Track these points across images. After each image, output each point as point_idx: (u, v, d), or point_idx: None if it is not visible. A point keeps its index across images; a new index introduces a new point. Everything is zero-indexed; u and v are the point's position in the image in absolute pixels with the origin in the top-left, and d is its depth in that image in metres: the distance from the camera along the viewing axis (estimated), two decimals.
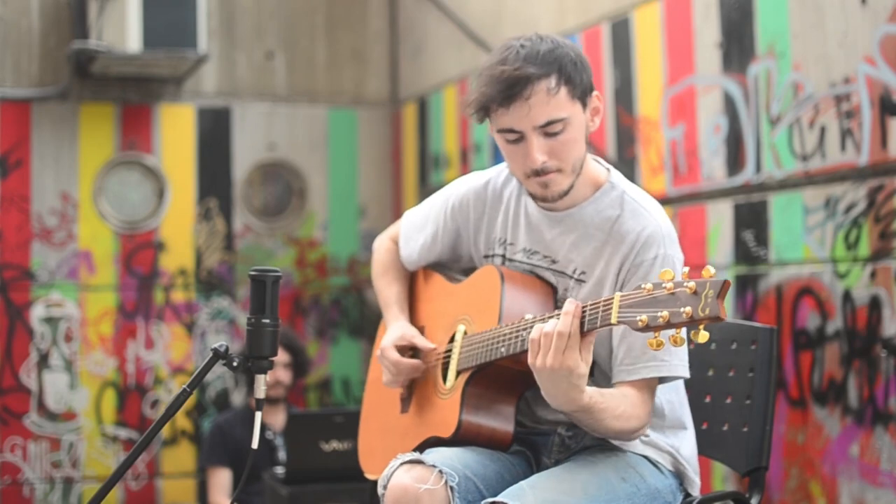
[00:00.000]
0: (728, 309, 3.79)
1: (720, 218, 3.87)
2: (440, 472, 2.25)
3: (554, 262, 2.46)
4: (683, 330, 1.95)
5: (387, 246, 2.88)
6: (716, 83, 3.88)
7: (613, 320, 2.03)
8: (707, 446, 2.63)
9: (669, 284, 1.96)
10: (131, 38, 5.28)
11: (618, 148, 4.37)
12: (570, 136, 2.34)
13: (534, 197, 2.46)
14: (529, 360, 2.13)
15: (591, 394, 2.16)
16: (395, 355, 2.58)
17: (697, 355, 2.72)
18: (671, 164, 4.09)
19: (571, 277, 2.43)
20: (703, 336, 1.91)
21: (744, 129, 3.75)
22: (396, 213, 6.27)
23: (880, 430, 3.25)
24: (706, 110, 3.92)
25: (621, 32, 4.36)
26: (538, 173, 2.35)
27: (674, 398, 2.46)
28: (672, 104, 4.09)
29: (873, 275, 3.27)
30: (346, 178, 6.28)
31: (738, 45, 3.78)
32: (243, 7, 6.12)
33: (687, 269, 1.98)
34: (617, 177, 2.48)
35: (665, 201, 4.08)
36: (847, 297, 3.36)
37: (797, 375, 3.54)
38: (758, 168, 3.70)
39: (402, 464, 2.31)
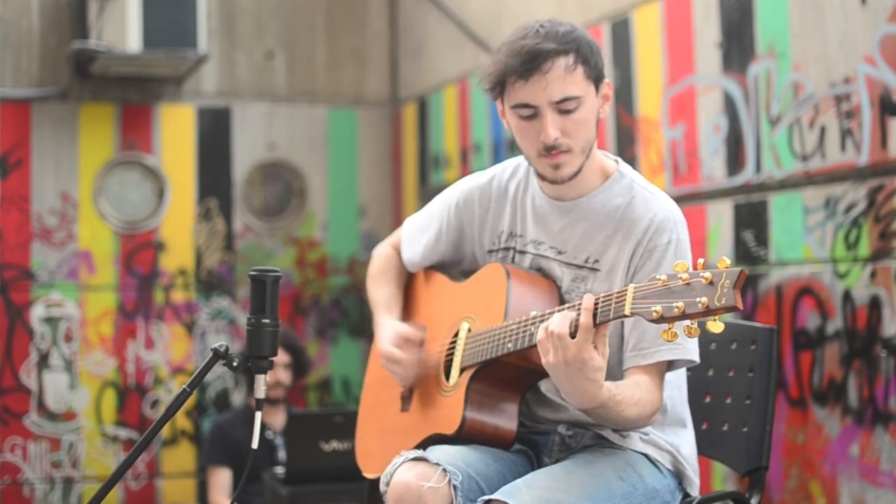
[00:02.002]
0: None
1: (720, 218, 3.87)
2: (444, 470, 2.24)
3: (560, 252, 2.46)
4: (697, 321, 1.94)
5: (385, 252, 2.86)
6: (716, 83, 3.88)
7: (627, 311, 2.03)
8: (707, 446, 2.63)
9: (685, 275, 1.95)
10: (131, 38, 5.28)
11: (618, 148, 4.37)
12: (583, 116, 2.36)
13: (543, 178, 2.45)
14: (543, 360, 2.13)
15: (609, 387, 2.16)
16: (400, 354, 2.57)
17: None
18: (671, 164, 4.09)
19: (582, 267, 2.43)
20: (718, 326, 1.91)
21: (744, 129, 3.75)
22: (396, 213, 6.27)
23: (880, 430, 3.25)
24: (706, 110, 3.92)
25: (621, 32, 4.36)
26: (550, 150, 2.35)
27: (675, 395, 2.46)
28: (672, 104, 4.09)
29: (873, 275, 3.27)
30: (346, 178, 6.28)
31: (738, 45, 3.78)
32: (243, 7, 6.12)
33: (702, 260, 1.97)
34: (626, 167, 2.49)
35: None
36: (847, 297, 3.36)
37: (797, 375, 3.54)
38: (758, 168, 3.71)
39: (405, 461, 2.30)
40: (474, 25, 5.41)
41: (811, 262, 3.50)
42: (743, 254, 3.78)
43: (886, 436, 3.23)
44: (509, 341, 2.31)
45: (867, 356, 3.29)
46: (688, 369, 2.68)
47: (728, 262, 1.92)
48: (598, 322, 2.08)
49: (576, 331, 2.08)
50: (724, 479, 3.76)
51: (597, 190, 2.45)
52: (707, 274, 1.92)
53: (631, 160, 4.29)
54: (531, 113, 2.35)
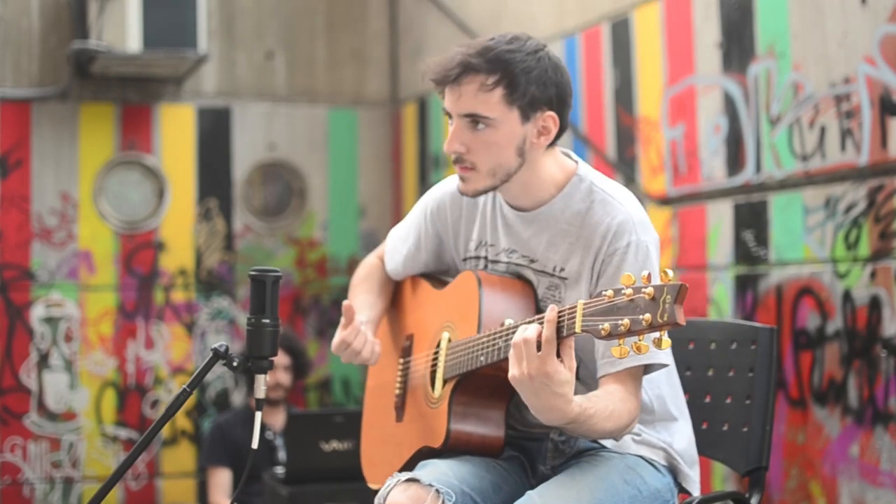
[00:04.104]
0: (728, 309, 3.79)
1: (720, 218, 3.87)
2: (437, 490, 2.23)
3: (533, 261, 2.45)
4: (646, 336, 1.93)
5: (368, 261, 2.87)
6: (716, 83, 3.88)
7: (577, 329, 2.01)
8: (707, 446, 2.63)
9: (629, 290, 1.94)
10: (131, 38, 5.28)
11: (618, 148, 4.37)
12: (493, 139, 2.33)
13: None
14: (509, 374, 2.10)
15: (580, 402, 2.12)
16: (340, 339, 2.56)
17: (698, 355, 2.72)
18: (671, 164, 4.09)
19: (553, 275, 2.42)
20: (665, 343, 1.90)
21: (744, 129, 3.75)
22: (396, 213, 6.27)
23: (880, 430, 3.25)
24: (706, 110, 3.92)
25: (621, 32, 4.36)
26: (455, 161, 2.37)
27: (664, 392, 2.44)
28: (672, 104, 4.09)
29: (873, 275, 3.27)
30: (346, 178, 6.28)
31: (738, 45, 3.78)
32: (243, 7, 6.12)
33: (647, 272, 1.95)
34: (584, 169, 2.46)
35: (665, 201, 4.09)
36: (847, 297, 3.36)
37: (797, 375, 3.54)
38: (758, 168, 3.71)
39: (398, 483, 2.29)
40: (474, 25, 5.41)
41: (811, 262, 3.50)
42: (743, 254, 3.78)
43: (886, 436, 3.23)
44: (481, 355, 2.31)
45: (867, 356, 3.29)
46: (687, 369, 2.69)
47: (670, 274, 1.90)
48: (561, 336, 2.06)
49: (539, 344, 2.05)
50: (724, 479, 3.76)
51: (555, 198, 2.42)
52: (649, 289, 1.90)
53: (631, 160, 4.29)
54: (449, 119, 2.38)
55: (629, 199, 2.40)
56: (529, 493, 2.24)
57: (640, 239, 2.33)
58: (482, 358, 2.30)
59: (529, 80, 2.32)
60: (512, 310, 2.38)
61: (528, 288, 2.44)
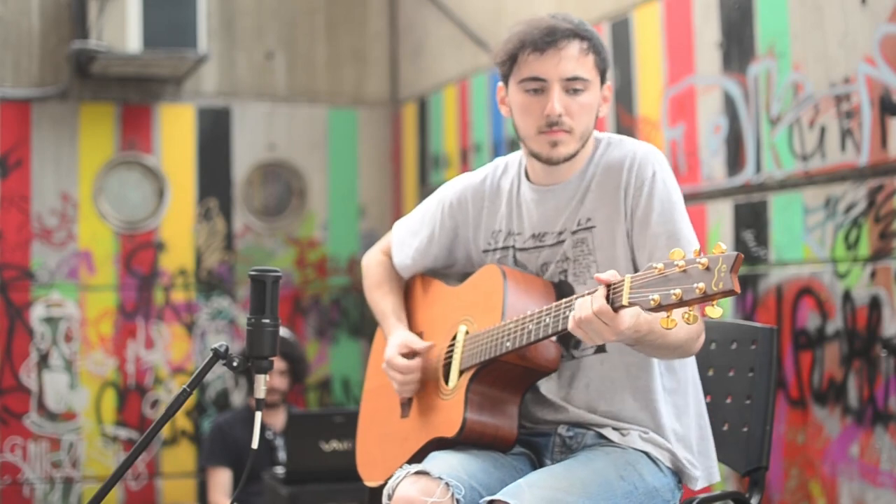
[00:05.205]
0: (728, 309, 3.79)
1: (720, 218, 3.87)
2: (446, 484, 2.24)
3: (560, 233, 2.47)
4: (696, 307, 1.93)
5: (378, 259, 2.85)
6: (716, 83, 3.88)
7: (624, 301, 2.02)
8: None
9: (681, 262, 1.94)
10: (131, 38, 5.28)
11: None
12: (588, 101, 2.42)
13: (538, 158, 2.46)
14: (591, 344, 2.15)
15: (649, 318, 2.15)
16: (403, 361, 2.56)
17: (698, 355, 2.72)
18: (671, 165, 4.09)
19: (577, 231, 2.44)
20: (716, 311, 1.89)
21: (744, 129, 3.75)
22: (396, 213, 6.27)
23: (880, 430, 3.25)
24: (706, 110, 3.92)
25: (621, 32, 4.36)
26: (551, 126, 2.39)
27: (689, 374, 2.49)
28: (672, 104, 4.09)
29: (873, 275, 3.27)
30: (346, 178, 6.28)
31: (738, 45, 3.78)
32: (243, 7, 6.12)
33: (697, 247, 1.97)
34: (602, 133, 2.55)
35: None
36: (847, 297, 3.36)
37: (797, 375, 3.54)
38: (758, 168, 3.71)
39: (407, 475, 2.29)
40: (474, 25, 5.41)
41: (811, 262, 3.50)
42: (743, 254, 3.78)
43: (886, 436, 3.23)
44: (507, 340, 2.31)
45: (867, 356, 3.29)
46: None
47: (724, 247, 1.91)
48: (615, 307, 2.06)
49: (598, 317, 2.08)
50: (724, 479, 3.75)
51: (583, 164, 2.49)
52: (704, 260, 1.91)
53: None
54: (539, 87, 2.41)
55: (645, 142, 2.51)
56: (519, 481, 2.24)
57: (665, 170, 2.43)
58: (508, 343, 2.31)
59: (604, 49, 2.46)
60: (534, 305, 2.38)
61: (549, 286, 2.47)
